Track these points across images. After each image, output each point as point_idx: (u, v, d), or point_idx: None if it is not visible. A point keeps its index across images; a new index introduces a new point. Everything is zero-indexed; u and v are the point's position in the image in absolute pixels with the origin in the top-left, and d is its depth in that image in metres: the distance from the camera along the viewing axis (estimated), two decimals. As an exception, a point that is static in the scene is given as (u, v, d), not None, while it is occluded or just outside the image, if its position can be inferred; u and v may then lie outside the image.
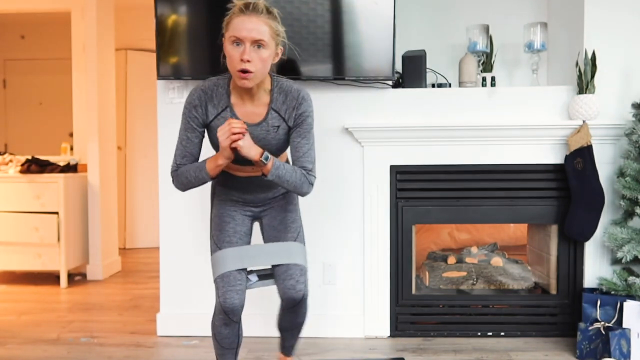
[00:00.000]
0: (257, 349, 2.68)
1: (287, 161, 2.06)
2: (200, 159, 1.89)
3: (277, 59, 1.82)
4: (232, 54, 1.71)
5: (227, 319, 1.86)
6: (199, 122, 1.85)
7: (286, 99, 1.84)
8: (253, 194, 1.97)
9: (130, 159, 5.57)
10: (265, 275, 2.00)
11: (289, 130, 1.88)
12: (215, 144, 1.87)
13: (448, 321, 2.85)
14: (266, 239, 2.04)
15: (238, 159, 1.80)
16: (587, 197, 2.67)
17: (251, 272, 2.01)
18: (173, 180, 1.88)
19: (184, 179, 1.85)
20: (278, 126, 1.85)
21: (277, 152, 1.91)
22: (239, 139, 1.70)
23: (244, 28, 1.68)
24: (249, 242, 2.00)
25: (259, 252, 1.95)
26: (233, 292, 1.84)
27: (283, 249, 1.94)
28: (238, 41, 1.70)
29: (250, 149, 1.73)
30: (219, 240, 1.93)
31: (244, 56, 1.68)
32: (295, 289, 1.90)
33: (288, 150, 1.99)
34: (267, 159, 1.75)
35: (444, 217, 2.83)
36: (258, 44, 1.70)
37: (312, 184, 1.85)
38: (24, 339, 2.87)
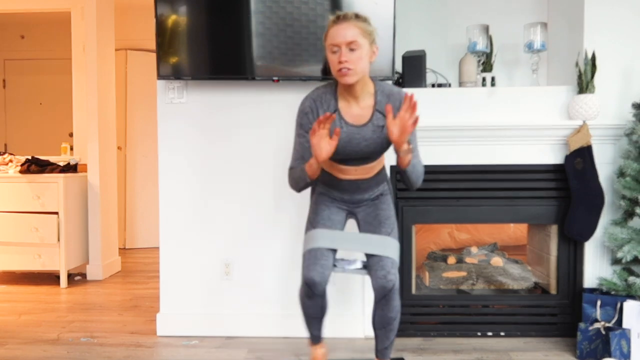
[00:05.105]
0: (257, 349, 2.68)
1: (383, 167, 2.18)
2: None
3: (374, 58, 1.98)
4: (332, 59, 1.93)
5: (309, 292, 2.03)
6: (310, 128, 2.02)
7: (389, 100, 2.01)
8: (351, 195, 2.14)
9: (130, 159, 5.57)
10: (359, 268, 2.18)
11: None
12: None
13: (448, 321, 2.85)
14: (362, 232, 2.17)
15: (345, 160, 2.03)
16: (587, 197, 2.67)
17: (343, 260, 2.16)
18: (288, 179, 2.13)
19: (291, 180, 2.07)
20: (382, 126, 2.00)
21: (382, 150, 2.06)
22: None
23: (337, 34, 1.90)
24: (341, 230, 2.18)
25: (353, 238, 2.10)
26: (317, 265, 2.01)
27: (378, 240, 2.08)
28: (335, 48, 1.91)
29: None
30: (314, 221, 2.13)
31: (341, 58, 1.89)
32: (387, 278, 1.99)
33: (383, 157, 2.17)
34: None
35: (444, 217, 2.83)
36: (351, 46, 1.89)
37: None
38: (24, 339, 2.87)
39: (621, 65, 2.75)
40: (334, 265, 2.10)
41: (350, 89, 1.98)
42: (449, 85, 2.95)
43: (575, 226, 2.69)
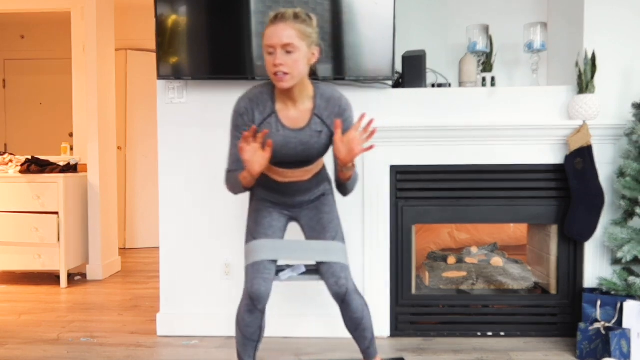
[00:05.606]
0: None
1: (323, 167, 2.12)
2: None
3: (313, 60, 1.90)
4: (268, 61, 1.84)
5: (251, 306, 1.97)
6: (245, 130, 1.94)
7: (328, 105, 1.94)
8: (292, 198, 2.07)
9: (130, 159, 5.57)
10: (312, 270, 2.14)
11: (331, 135, 1.96)
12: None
13: (448, 321, 2.85)
14: (307, 239, 2.13)
15: (281, 163, 1.96)
16: (587, 197, 2.67)
17: (287, 266, 2.12)
18: (225, 183, 2.04)
19: (229, 185, 2.01)
20: (320, 131, 1.94)
21: (319, 155, 1.99)
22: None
23: (274, 35, 1.81)
24: (282, 238, 2.11)
25: (296, 247, 2.06)
26: (261, 279, 1.96)
27: (321, 246, 2.03)
28: (270, 49, 1.82)
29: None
30: (255, 231, 2.05)
31: (275, 61, 1.81)
32: (338, 284, 1.98)
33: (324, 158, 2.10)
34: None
35: (444, 217, 2.83)
36: (287, 49, 1.80)
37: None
38: (24, 339, 2.87)
39: (621, 65, 2.75)
40: (277, 274, 2.07)
41: (287, 92, 1.90)
42: (449, 85, 2.95)
43: (575, 226, 2.69)
